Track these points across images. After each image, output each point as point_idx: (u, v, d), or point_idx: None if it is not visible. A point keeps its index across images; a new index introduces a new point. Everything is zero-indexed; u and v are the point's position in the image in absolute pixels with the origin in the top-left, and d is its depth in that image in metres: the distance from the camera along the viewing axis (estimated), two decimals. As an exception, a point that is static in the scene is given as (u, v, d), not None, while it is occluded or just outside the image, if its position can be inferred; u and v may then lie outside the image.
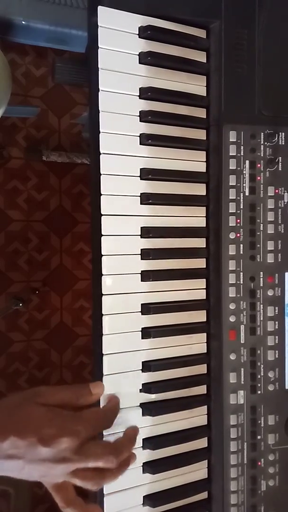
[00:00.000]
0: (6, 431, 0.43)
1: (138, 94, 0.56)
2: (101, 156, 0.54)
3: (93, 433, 0.47)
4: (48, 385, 0.49)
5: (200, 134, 0.61)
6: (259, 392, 0.61)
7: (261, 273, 0.61)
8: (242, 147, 0.60)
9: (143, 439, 0.57)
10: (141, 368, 0.57)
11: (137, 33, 0.56)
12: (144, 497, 0.58)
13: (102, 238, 0.54)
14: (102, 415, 0.50)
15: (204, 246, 0.62)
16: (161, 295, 0.58)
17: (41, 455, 0.44)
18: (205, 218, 0.62)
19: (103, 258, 0.55)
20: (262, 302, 0.61)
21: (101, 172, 0.54)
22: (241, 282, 0.61)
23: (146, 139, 0.56)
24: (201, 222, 0.61)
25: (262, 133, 0.61)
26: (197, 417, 0.61)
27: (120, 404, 0.53)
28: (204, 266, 0.62)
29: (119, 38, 0.55)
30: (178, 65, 0.59)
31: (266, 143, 0.61)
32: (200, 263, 0.61)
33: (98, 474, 0.47)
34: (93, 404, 0.52)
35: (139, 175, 0.57)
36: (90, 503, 0.50)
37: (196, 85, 0.60)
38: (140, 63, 0.56)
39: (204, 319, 0.62)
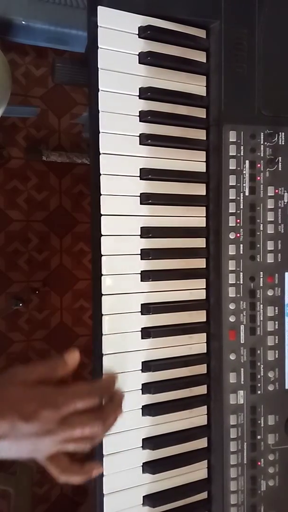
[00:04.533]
0: None
1: (137, 94, 0.56)
2: (101, 156, 0.54)
3: (77, 406, 0.46)
4: (23, 365, 0.49)
5: (200, 134, 0.61)
6: (259, 392, 0.61)
7: (261, 273, 0.61)
8: (242, 147, 0.60)
9: (143, 439, 0.57)
10: (141, 368, 0.57)
11: (137, 33, 0.56)
12: (144, 497, 0.58)
13: (102, 238, 0.54)
14: (86, 388, 0.48)
15: (204, 246, 0.61)
16: (161, 295, 0.58)
17: (25, 431, 0.44)
18: (205, 218, 0.62)
19: (103, 258, 0.54)
20: (262, 302, 0.61)
21: (101, 172, 0.54)
22: (241, 282, 0.61)
23: (145, 139, 0.56)
24: (201, 222, 0.61)
25: (262, 133, 0.61)
26: (197, 417, 0.61)
27: (116, 380, 0.52)
28: (204, 266, 0.62)
29: (119, 38, 0.55)
30: (178, 65, 0.59)
31: (266, 143, 0.61)
32: (200, 263, 0.61)
33: (86, 437, 0.47)
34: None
35: (139, 175, 0.57)
36: (87, 464, 0.49)
37: (196, 85, 0.60)
38: (139, 63, 0.56)
39: (204, 319, 0.61)
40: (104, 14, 0.54)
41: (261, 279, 0.61)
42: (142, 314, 0.57)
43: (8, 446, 0.44)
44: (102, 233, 0.54)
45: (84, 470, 0.48)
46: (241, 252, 0.61)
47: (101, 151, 0.54)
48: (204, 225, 0.62)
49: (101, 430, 0.47)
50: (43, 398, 0.46)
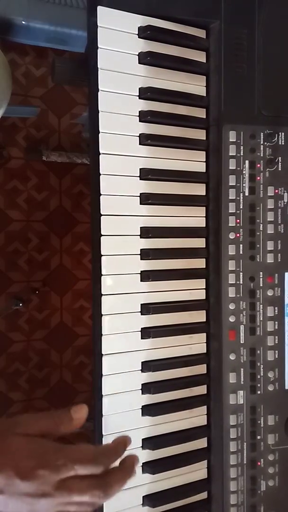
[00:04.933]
0: None
1: (137, 94, 0.56)
2: (100, 156, 0.54)
3: (77, 472, 0.43)
4: (28, 413, 0.46)
5: (199, 134, 0.61)
6: (258, 392, 0.61)
7: (261, 273, 0.61)
8: (241, 147, 0.60)
9: (143, 439, 0.57)
10: (140, 368, 0.57)
11: (137, 33, 0.56)
12: (143, 497, 0.57)
13: (102, 238, 0.54)
14: (91, 453, 0.44)
15: (204, 246, 0.61)
16: (160, 295, 0.58)
17: (20, 490, 0.41)
18: (204, 218, 0.62)
19: (103, 258, 0.54)
20: (262, 302, 0.61)
21: (101, 172, 0.54)
22: (241, 282, 0.60)
23: (145, 139, 0.56)
24: (200, 222, 0.61)
25: (261, 133, 0.61)
26: (197, 417, 0.61)
27: (129, 443, 0.48)
28: (204, 266, 0.62)
29: (119, 38, 0.55)
30: (177, 65, 0.58)
31: (265, 143, 0.61)
32: (199, 263, 0.61)
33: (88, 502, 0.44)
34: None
35: (138, 175, 0.57)
36: None
37: (195, 85, 0.60)
38: (139, 63, 0.56)
39: (204, 319, 0.61)
40: (104, 14, 0.54)
41: (261, 279, 0.61)
42: (142, 314, 0.57)
43: (3, 501, 0.42)
44: (102, 233, 0.54)
45: None
46: (241, 252, 0.60)
47: (101, 151, 0.54)
48: (204, 225, 0.61)
49: (102, 497, 0.44)
50: (43, 455, 0.42)
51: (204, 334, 0.61)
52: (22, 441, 0.43)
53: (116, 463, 0.46)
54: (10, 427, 0.44)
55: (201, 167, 0.61)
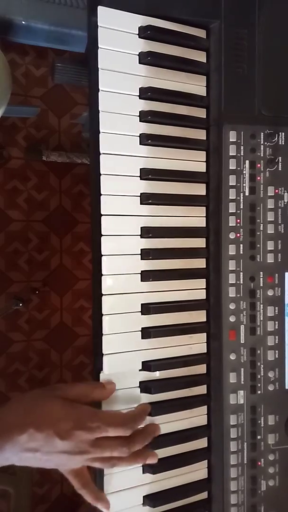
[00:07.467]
0: (25, 424, 0.46)
1: (138, 94, 0.56)
2: (101, 156, 0.54)
3: (109, 434, 0.48)
4: (64, 383, 0.52)
5: (200, 134, 0.61)
6: (259, 392, 0.61)
7: (261, 273, 0.61)
8: (242, 147, 0.60)
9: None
10: (141, 368, 0.57)
11: (137, 33, 0.56)
12: (144, 497, 0.57)
13: (102, 238, 0.54)
14: (120, 419, 0.51)
15: (204, 246, 0.61)
16: (161, 295, 0.58)
17: (58, 448, 0.46)
18: (205, 218, 0.62)
19: (103, 258, 0.55)
20: (262, 302, 0.61)
21: (101, 172, 0.54)
22: (241, 282, 0.61)
23: (146, 139, 0.56)
24: (201, 222, 0.61)
25: (262, 133, 0.61)
26: (197, 417, 0.61)
27: (149, 409, 0.55)
28: (204, 266, 0.62)
29: (119, 38, 0.55)
30: (178, 65, 0.59)
31: (266, 143, 0.61)
32: (200, 263, 0.61)
33: (113, 458, 0.50)
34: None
35: (139, 175, 0.57)
36: (101, 491, 0.53)
37: (196, 85, 0.60)
38: (140, 63, 0.56)
39: (204, 319, 0.61)
40: (104, 14, 0.54)
41: (261, 279, 0.61)
42: (142, 314, 0.57)
43: (38, 457, 0.47)
44: (102, 233, 0.54)
45: (99, 495, 0.52)
46: (241, 252, 0.61)
47: (101, 151, 0.54)
48: (204, 225, 0.62)
49: (127, 453, 0.50)
50: (79, 418, 0.48)
51: (204, 334, 0.61)
52: (60, 403, 0.49)
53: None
54: (49, 391, 0.50)
55: (201, 167, 0.61)
